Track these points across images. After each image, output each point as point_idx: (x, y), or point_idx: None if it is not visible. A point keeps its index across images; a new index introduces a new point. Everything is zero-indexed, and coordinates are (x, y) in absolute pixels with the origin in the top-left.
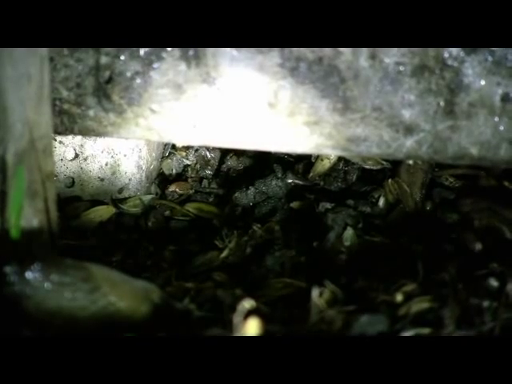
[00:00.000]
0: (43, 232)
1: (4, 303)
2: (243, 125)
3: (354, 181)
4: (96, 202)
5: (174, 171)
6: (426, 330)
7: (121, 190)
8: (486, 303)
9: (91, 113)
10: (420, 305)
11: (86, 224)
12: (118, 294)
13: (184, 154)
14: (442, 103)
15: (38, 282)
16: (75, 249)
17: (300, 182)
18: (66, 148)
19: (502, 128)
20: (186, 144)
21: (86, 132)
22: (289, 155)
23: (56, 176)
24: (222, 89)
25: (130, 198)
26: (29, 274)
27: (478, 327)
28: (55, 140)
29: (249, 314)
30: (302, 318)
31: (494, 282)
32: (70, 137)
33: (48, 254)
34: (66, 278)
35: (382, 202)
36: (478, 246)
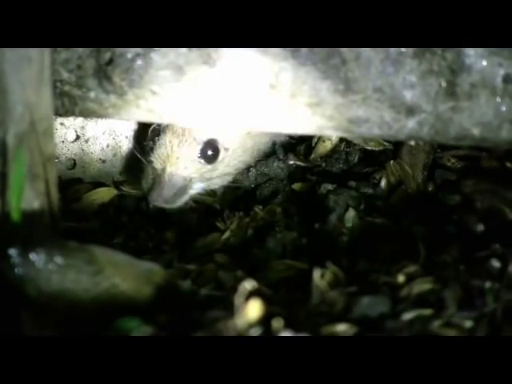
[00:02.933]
0: (44, 214)
1: (7, 285)
2: (244, 106)
3: (355, 162)
4: (97, 183)
5: None
6: (427, 312)
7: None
8: (487, 285)
9: (92, 95)
10: (421, 286)
11: (88, 206)
12: (121, 276)
13: None
14: (443, 84)
15: (42, 264)
16: (76, 231)
17: (302, 164)
18: (67, 130)
19: (503, 109)
20: (186, 126)
21: (86, 114)
22: (290, 137)
23: (57, 158)
24: (222, 70)
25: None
26: (33, 256)
27: (479, 309)
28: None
29: (250, 295)
30: (303, 300)
31: (495, 264)
32: (71, 118)
33: (49, 237)
34: (70, 260)
35: (383, 183)
36: (480, 228)
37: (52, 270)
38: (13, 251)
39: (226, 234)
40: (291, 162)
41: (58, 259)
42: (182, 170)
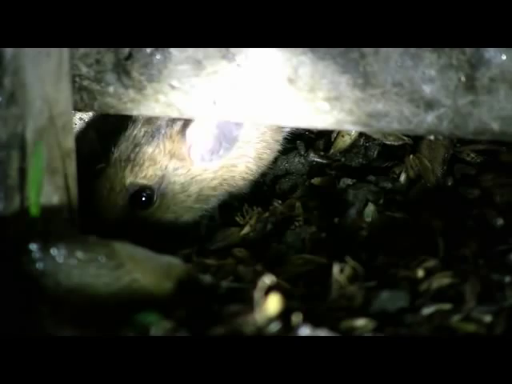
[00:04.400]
0: (63, 209)
1: (28, 279)
2: (263, 101)
3: (374, 157)
4: None
5: None
6: (446, 306)
7: None
8: (507, 279)
9: (111, 89)
10: (441, 280)
11: None
12: (142, 270)
13: None
14: (462, 78)
15: (63, 258)
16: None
17: (323, 161)
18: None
19: None
20: (205, 120)
21: (105, 108)
22: (309, 131)
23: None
24: (241, 65)
25: None
26: (54, 251)
27: (499, 303)
28: None
29: (269, 289)
30: (322, 294)
31: None
32: (89, 113)
33: (68, 231)
34: (91, 254)
35: (403, 177)
36: (499, 222)
37: (73, 265)
38: (33, 246)
39: (246, 229)
40: (312, 159)
41: (79, 254)
42: None
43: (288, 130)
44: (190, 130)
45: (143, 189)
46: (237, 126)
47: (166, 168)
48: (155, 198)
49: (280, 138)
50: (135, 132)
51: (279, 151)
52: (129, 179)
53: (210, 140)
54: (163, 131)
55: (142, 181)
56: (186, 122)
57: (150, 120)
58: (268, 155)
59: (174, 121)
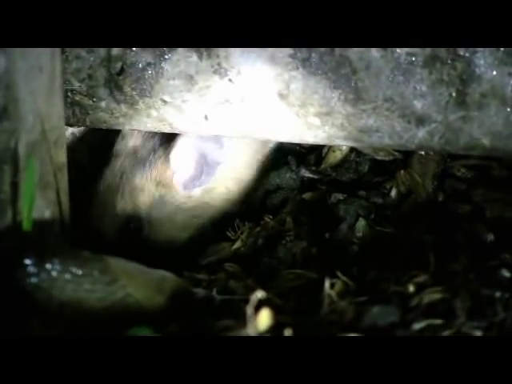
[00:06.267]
0: (55, 224)
1: (21, 295)
2: (255, 116)
3: (365, 172)
4: None
5: None
6: (437, 321)
7: None
8: (497, 294)
9: (103, 104)
10: (432, 296)
11: None
12: (135, 285)
13: None
14: (453, 94)
15: (57, 273)
16: (86, 240)
17: (314, 176)
18: None
19: None
20: (197, 135)
21: (97, 123)
22: (301, 146)
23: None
24: (233, 80)
25: None
26: (48, 266)
27: (489, 318)
28: None
29: (261, 305)
30: (313, 310)
31: (505, 273)
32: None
33: (61, 246)
34: (86, 269)
35: (393, 192)
36: (490, 237)
37: (67, 280)
38: (28, 260)
39: (237, 244)
40: (303, 174)
41: (74, 269)
42: None
43: (271, 146)
44: (173, 156)
45: (132, 219)
46: (217, 148)
47: (152, 196)
48: (144, 228)
49: (261, 156)
50: (119, 163)
51: (266, 168)
52: (118, 208)
53: (192, 166)
54: (148, 160)
55: (131, 211)
56: (169, 148)
57: (133, 153)
58: (249, 175)
59: (156, 148)
